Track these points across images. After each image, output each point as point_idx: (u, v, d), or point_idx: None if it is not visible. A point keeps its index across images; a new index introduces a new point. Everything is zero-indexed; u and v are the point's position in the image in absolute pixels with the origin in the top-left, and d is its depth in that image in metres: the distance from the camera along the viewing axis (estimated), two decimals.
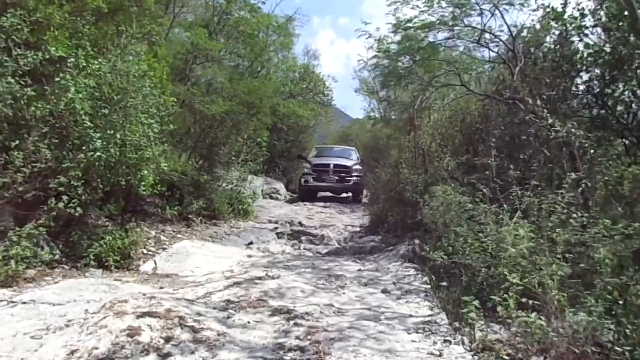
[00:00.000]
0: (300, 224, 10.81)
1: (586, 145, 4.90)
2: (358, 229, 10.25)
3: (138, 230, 6.27)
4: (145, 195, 5.76)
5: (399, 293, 4.29)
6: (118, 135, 4.96)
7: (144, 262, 5.89)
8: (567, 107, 6.04)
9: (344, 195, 15.13)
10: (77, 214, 4.57)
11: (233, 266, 5.92)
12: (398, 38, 5.78)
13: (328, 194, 15.31)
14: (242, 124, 9.25)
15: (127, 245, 5.64)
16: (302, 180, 14.57)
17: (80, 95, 4.50)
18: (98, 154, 4.79)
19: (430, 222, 4.86)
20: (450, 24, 5.45)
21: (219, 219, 9.35)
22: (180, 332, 3.08)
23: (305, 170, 14.79)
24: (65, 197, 4.48)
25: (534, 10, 5.66)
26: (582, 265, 3.83)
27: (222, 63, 8.22)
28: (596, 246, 3.77)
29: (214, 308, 3.70)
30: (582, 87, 6.13)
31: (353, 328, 3.35)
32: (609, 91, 6.02)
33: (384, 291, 4.34)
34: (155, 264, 5.88)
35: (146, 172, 5.60)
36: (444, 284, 4.38)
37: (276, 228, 9.69)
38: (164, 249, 6.47)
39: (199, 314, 3.48)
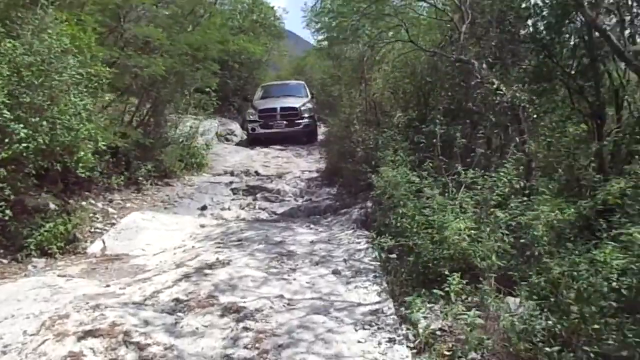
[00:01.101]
0: (257, 172, 10.68)
1: (529, 109, 4.90)
2: (315, 174, 10.24)
3: (82, 209, 6.05)
4: (85, 175, 5.42)
5: (349, 274, 4.37)
6: (44, 122, 4.56)
7: (92, 242, 5.72)
8: (512, 56, 5.97)
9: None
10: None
11: (185, 240, 5.85)
12: None
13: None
14: (187, 78, 8.73)
15: (71, 228, 5.44)
16: (249, 127, 13.49)
17: None
18: (23, 144, 4.43)
19: (378, 197, 4.87)
20: None
21: (171, 177, 9.10)
22: (124, 351, 3.05)
23: (250, 116, 13.51)
24: None
25: None
26: (522, 240, 4.00)
27: (158, 16, 7.52)
28: (534, 223, 3.93)
29: (162, 311, 3.66)
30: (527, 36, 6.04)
31: (302, 327, 3.40)
32: (555, 38, 5.96)
33: (335, 272, 4.40)
34: (104, 243, 5.72)
35: (82, 152, 5.27)
36: (393, 256, 4.51)
37: (231, 182, 9.53)
38: (112, 224, 6.28)
39: (146, 322, 3.44)
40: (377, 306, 3.72)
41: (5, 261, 4.85)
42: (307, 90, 14.78)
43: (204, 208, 7.48)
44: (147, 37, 6.85)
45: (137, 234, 5.92)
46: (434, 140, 4.82)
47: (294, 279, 4.26)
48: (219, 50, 10.72)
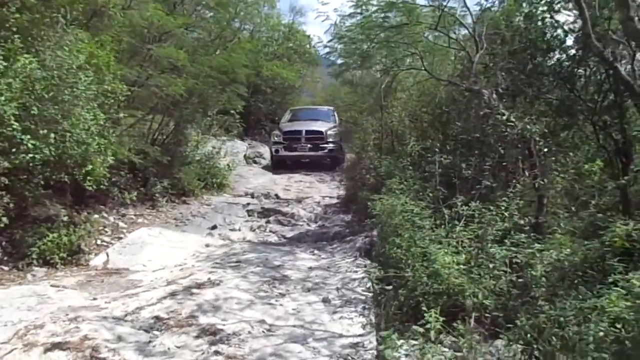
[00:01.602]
0: (277, 195, 10.68)
1: (541, 142, 4.68)
2: (335, 200, 10.13)
3: (90, 222, 6.16)
4: (93, 189, 5.54)
5: (338, 302, 4.21)
6: (53, 134, 4.70)
7: (96, 255, 5.80)
8: (528, 86, 5.77)
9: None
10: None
11: (187, 258, 5.84)
12: (357, 19, 5.40)
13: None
14: (210, 99, 8.91)
15: (75, 240, 5.52)
16: (273, 149, 13.31)
17: (2, 98, 4.21)
18: (30, 155, 4.57)
19: (373, 225, 4.73)
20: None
21: (189, 195, 9.21)
22: None
23: (275, 138, 13.31)
24: None
25: None
26: (520, 280, 3.75)
27: (183, 39, 7.74)
28: (533, 262, 3.68)
29: (140, 328, 3.61)
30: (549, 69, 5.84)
31: (275, 355, 3.27)
32: (580, 71, 5.73)
33: (324, 300, 4.25)
34: (107, 256, 5.79)
35: (91, 166, 5.39)
36: (389, 288, 4.32)
37: (248, 203, 9.56)
38: (120, 239, 6.37)
39: (120, 338, 3.40)
40: (358, 339, 3.55)
41: (6, 268, 4.96)
42: (336, 117, 14.53)
43: (213, 227, 7.48)
44: (170, 58, 7.03)
45: (141, 250, 5.97)
46: (435, 170, 4.65)
47: (281, 305, 4.14)
48: (247, 74, 10.94)
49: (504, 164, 4.79)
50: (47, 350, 3.07)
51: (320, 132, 12.85)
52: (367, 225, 6.67)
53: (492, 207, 3.93)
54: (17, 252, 5.15)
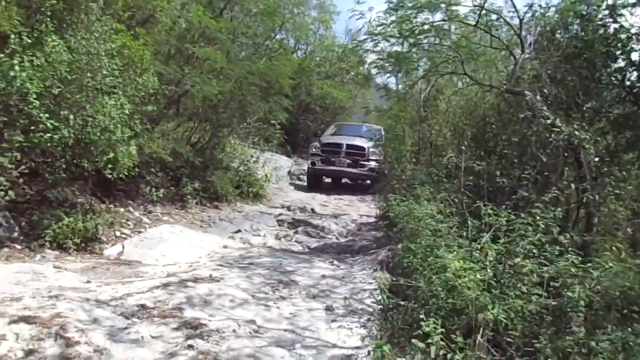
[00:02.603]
0: (312, 210, 10.38)
1: (591, 150, 4.08)
2: (372, 220, 9.68)
3: (109, 212, 6.11)
4: (114, 178, 5.48)
5: (342, 312, 3.78)
6: (72, 116, 4.68)
7: (112, 245, 5.71)
8: (594, 102, 5.17)
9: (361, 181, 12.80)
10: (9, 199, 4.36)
11: (201, 257, 5.62)
12: (392, 19, 5.09)
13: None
14: (249, 106, 8.84)
15: (91, 227, 5.45)
16: (309, 162, 12.25)
17: (24, 74, 4.23)
18: (48, 134, 4.55)
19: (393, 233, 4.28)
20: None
21: (222, 201, 9.10)
22: (50, 344, 2.77)
23: (313, 149, 12.12)
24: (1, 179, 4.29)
25: None
26: (554, 303, 3.18)
27: (224, 42, 7.74)
28: (570, 282, 3.11)
29: (120, 314, 3.37)
30: (611, 78, 5.21)
31: (253, 357, 2.91)
32: None
33: (327, 308, 3.84)
34: (123, 247, 5.66)
35: (113, 154, 5.35)
36: (403, 302, 3.85)
37: (280, 214, 9.32)
38: (140, 233, 6.27)
39: (94, 321, 3.17)
40: (353, 352, 3.11)
41: (19, 247, 4.93)
42: (384, 137, 13.15)
43: (237, 232, 7.26)
44: (207, 58, 7.02)
45: (158, 244, 5.81)
46: (457, 172, 4.17)
47: (277, 307, 3.77)
48: (292, 86, 10.87)
49: (545, 174, 4.22)
50: (11, 322, 2.88)
51: (362, 148, 11.74)
52: (393, 238, 6.22)
53: (524, 216, 3.38)
54: (32, 233, 5.14)
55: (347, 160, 11.69)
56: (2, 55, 4.24)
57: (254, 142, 9.99)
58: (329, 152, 11.88)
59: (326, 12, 17.75)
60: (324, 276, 4.85)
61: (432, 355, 2.56)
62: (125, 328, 3.16)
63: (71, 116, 4.67)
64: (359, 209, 11.15)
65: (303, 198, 11.92)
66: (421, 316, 3.22)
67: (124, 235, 6.10)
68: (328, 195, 12.35)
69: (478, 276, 2.99)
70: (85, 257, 5.24)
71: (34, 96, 4.36)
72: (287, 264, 5.25)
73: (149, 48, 5.97)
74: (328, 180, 13.58)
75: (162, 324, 3.26)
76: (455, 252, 3.25)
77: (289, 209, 10.32)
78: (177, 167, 7.71)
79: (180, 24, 6.99)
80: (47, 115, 4.49)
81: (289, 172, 15.62)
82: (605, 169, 4.21)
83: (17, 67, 4.23)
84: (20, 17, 4.49)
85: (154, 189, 7.08)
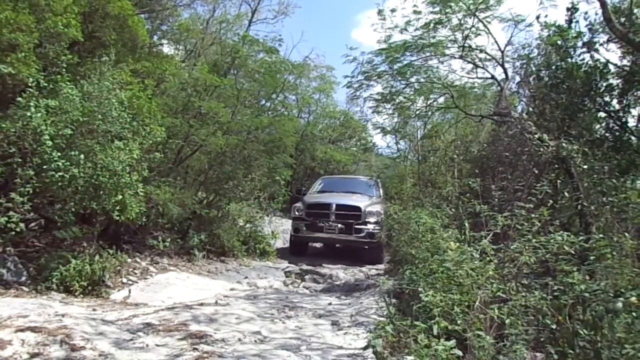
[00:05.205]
0: (320, 265, 10.31)
1: (579, 161, 4.22)
2: (382, 272, 9.57)
3: (116, 257, 6.17)
4: (128, 223, 5.64)
5: (348, 324, 3.75)
6: (82, 156, 4.93)
7: (119, 290, 5.71)
8: (583, 128, 5.38)
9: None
10: (19, 230, 4.48)
11: (208, 298, 5.60)
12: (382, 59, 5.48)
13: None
14: (253, 161, 9.14)
15: (98, 270, 5.50)
16: (292, 227, 9.92)
17: (39, 115, 4.54)
18: (60, 173, 4.77)
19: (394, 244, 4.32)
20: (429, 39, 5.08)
21: (229, 255, 9.09)
22: (55, 348, 2.78)
23: (296, 212, 9.74)
24: (12, 214, 4.44)
25: (528, 26, 5.18)
26: (562, 299, 3.14)
27: (229, 99, 8.21)
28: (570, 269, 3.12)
29: (127, 330, 3.37)
30: (596, 106, 5.48)
31: (259, 356, 2.88)
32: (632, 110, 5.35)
33: (334, 323, 3.80)
34: (129, 292, 5.67)
35: (120, 196, 5.52)
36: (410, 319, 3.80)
37: (287, 267, 9.28)
38: (146, 279, 6.28)
39: (100, 334, 3.17)
40: (358, 351, 3.06)
41: (26, 289, 4.97)
42: (381, 190, 10.52)
43: (244, 278, 7.24)
44: (211, 111, 7.42)
45: (164, 288, 5.81)
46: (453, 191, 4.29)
47: (283, 323, 3.74)
48: (294, 142, 11.26)
49: (538, 185, 4.32)
50: (18, 330, 2.90)
51: (357, 208, 9.23)
52: (399, 273, 6.19)
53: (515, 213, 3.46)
54: (40, 276, 5.19)
55: (339, 225, 9.19)
56: (20, 98, 4.56)
57: (259, 202, 10.10)
58: (315, 215, 9.47)
59: (326, 82, 18.71)
60: (330, 304, 4.82)
61: (435, 333, 2.55)
62: (131, 340, 3.15)
63: (82, 156, 4.91)
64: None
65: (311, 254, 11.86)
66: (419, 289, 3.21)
67: (130, 282, 6.11)
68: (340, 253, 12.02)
69: (477, 263, 3.01)
70: (92, 300, 5.24)
71: (47, 137, 4.63)
72: (294, 298, 5.22)
73: (157, 100, 6.35)
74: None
75: (168, 336, 3.25)
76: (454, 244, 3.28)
77: (296, 264, 10.28)
78: (183, 219, 7.84)
79: (188, 82, 7.46)
80: (59, 154, 4.73)
81: None
82: (595, 177, 4.31)
83: (33, 109, 4.54)
84: (37, 66, 4.88)
85: (160, 239, 7.16)
